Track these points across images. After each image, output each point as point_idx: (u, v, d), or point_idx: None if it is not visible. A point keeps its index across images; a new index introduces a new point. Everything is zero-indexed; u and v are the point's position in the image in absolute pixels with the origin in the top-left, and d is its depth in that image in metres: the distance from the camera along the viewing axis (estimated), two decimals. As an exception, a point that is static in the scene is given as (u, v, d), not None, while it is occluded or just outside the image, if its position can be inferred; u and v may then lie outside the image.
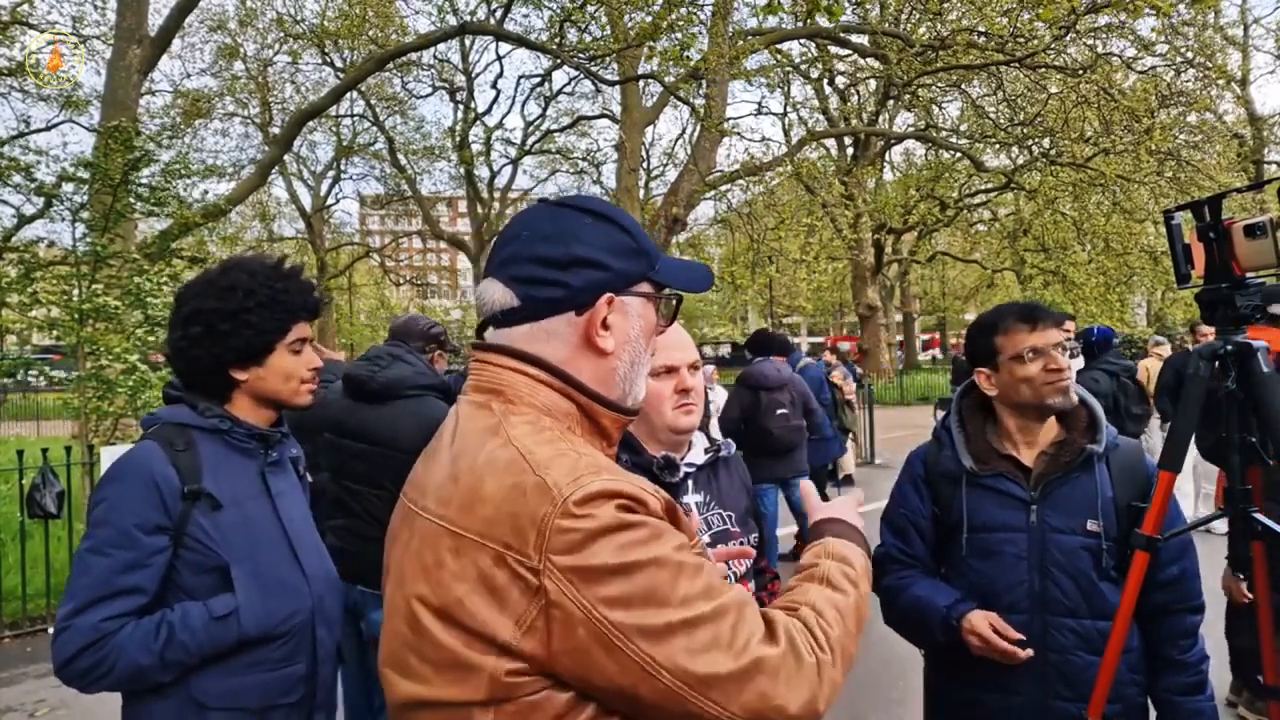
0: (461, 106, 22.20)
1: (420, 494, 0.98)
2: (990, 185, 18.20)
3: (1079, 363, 5.40)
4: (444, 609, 0.87)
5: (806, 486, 1.27)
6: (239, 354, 1.67)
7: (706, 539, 1.69)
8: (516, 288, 0.99)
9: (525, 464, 0.88)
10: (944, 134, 17.51)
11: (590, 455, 0.92)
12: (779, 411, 5.64)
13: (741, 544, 1.76)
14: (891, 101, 17.41)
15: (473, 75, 22.02)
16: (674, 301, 1.10)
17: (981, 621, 1.76)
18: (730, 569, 1.72)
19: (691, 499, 1.69)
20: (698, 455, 1.79)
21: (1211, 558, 2.23)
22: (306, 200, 28.30)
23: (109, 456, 4.65)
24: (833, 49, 15.13)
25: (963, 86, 15.79)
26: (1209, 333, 5.96)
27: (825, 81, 18.70)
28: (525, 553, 0.83)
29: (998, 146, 16.42)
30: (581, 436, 0.98)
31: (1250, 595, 1.92)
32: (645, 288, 1.05)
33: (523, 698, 0.85)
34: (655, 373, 1.63)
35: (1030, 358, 1.83)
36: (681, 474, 1.71)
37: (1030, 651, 1.74)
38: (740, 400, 5.70)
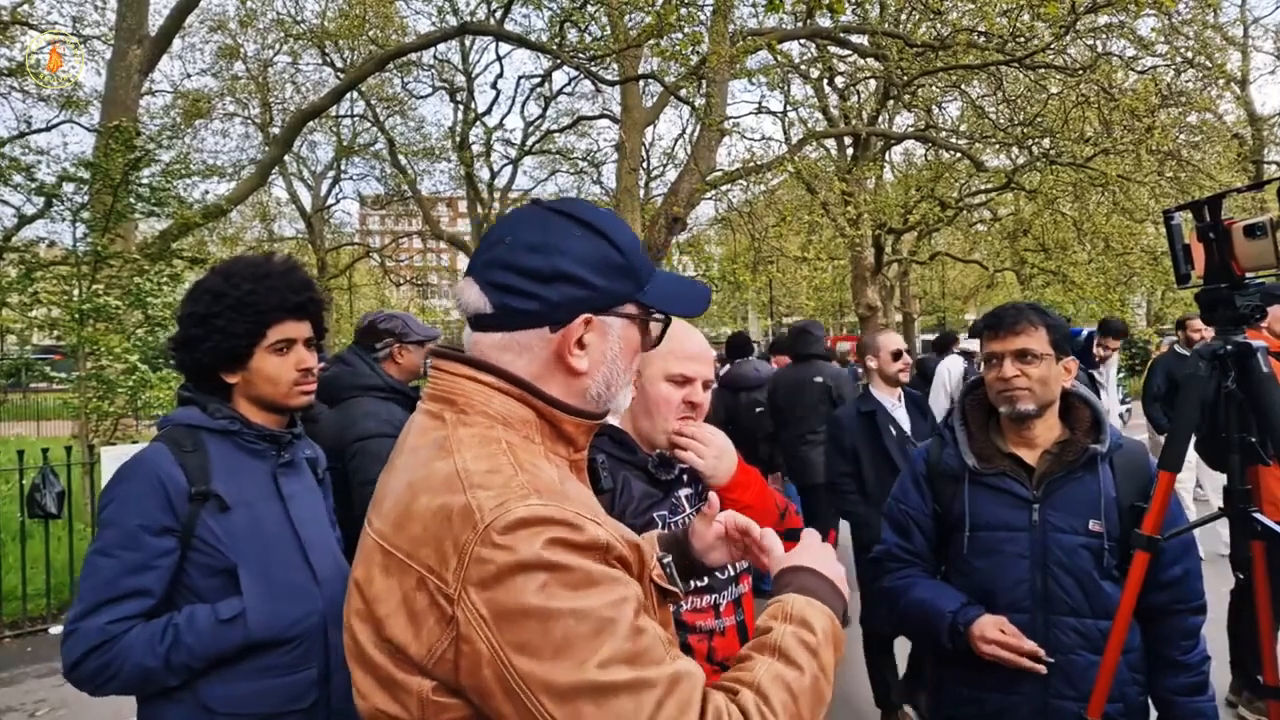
0: (461, 107, 22.15)
1: (374, 510, 0.95)
2: (990, 185, 18.12)
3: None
4: (373, 626, 0.86)
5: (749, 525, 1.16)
6: (215, 359, 1.63)
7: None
8: (492, 294, 0.95)
9: (459, 481, 0.84)
10: (944, 134, 17.47)
11: (531, 473, 0.87)
12: (758, 410, 5.78)
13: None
14: (891, 101, 17.38)
15: (473, 75, 21.96)
16: (662, 323, 1.04)
17: (992, 627, 1.76)
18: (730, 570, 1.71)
19: (683, 492, 1.70)
20: None
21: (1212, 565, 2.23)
22: (306, 200, 28.22)
23: (109, 457, 4.65)
24: (832, 49, 15.09)
25: (962, 87, 15.75)
26: (1200, 327, 5.89)
27: (825, 81, 18.65)
28: (444, 578, 0.80)
29: (998, 146, 16.38)
30: (542, 444, 0.95)
31: None
32: (630, 309, 1.00)
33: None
34: (671, 379, 1.64)
35: (990, 363, 1.89)
36: (676, 471, 1.72)
37: (1039, 661, 1.74)
38: (724, 401, 5.85)
